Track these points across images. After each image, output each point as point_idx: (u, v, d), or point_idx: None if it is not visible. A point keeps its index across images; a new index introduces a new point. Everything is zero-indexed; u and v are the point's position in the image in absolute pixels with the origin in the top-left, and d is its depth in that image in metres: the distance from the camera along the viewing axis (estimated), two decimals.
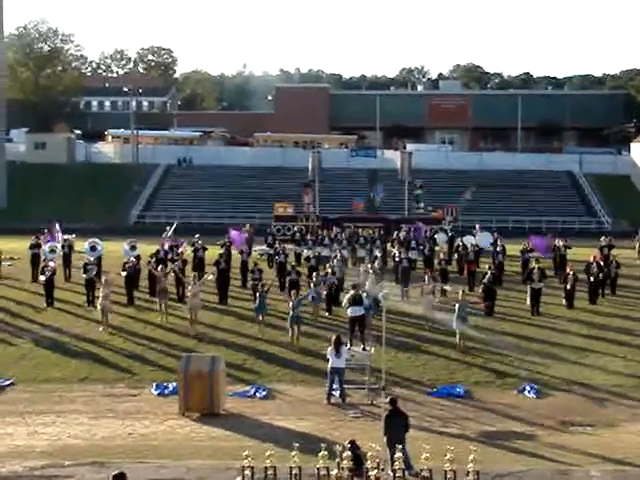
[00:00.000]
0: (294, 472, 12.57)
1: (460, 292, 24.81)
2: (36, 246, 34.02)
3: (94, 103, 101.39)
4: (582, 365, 22.50)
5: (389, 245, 38.15)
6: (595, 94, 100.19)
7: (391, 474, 12.60)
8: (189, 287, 26.22)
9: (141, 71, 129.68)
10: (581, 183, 63.14)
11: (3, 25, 62.27)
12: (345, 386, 19.44)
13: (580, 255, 34.65)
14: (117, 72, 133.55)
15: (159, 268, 28.15)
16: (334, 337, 19.54)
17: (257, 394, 20.01)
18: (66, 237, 35.56)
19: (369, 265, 30.34)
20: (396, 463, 12.55)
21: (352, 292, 22.33)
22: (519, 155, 72.48)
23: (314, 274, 28.47)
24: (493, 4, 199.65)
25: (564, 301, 29.35)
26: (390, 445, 13.68)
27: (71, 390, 20.35)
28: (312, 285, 27.62)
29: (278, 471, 12.64)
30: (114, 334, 25.22)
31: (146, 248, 34.32)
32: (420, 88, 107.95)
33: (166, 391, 20.05)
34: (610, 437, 17.29)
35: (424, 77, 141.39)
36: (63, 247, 34.18)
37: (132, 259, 31.00)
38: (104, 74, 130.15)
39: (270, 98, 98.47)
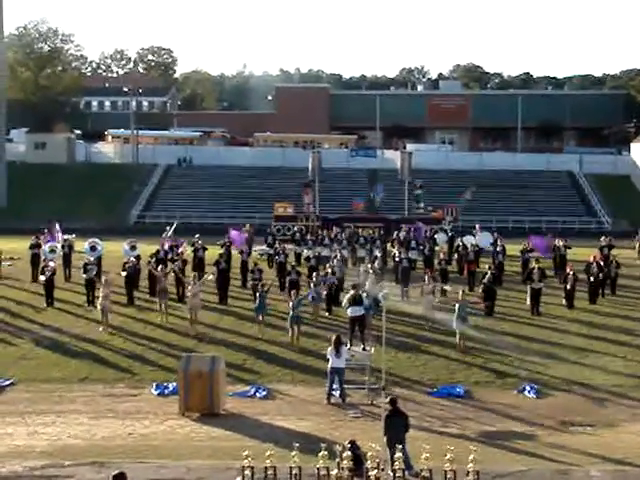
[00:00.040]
0: (294, 472, 12.57)
1: (460, 292, 24.81)
2: (36, 246, 34.03)
3: (94, 103, 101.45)
4: (582, 365, 22.49)
5: (389, 245, 38.16)
6: (595, 94, 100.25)
7: (391, 474, 12.60)
8: (189, 287, 26.22)
9: (141, 71, 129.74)
10: (581, 183, 63.15)
11: (3, 25, 62.27)
12: (345, 386, 19.43)
13: (580, 255, 34.67)
14: (117, 72, 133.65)
15: (159, 268, 28.15)
16: (334, 337, 19.53)
17: (257, 394, 20.00)
18: (66, 237, 35.56)
19: (369, 265, 30.34)
20: (396, 463, 12.55)
21: (352, 292, 22.34)
22: (519, 155, 72.49)
23: (314, 274, 28.47)
24: (493, 4, 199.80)
25: (564, 301, 29.36)
26: (390, 445, 13.67)
27: (71, 390, 20.34)
28: (312, 285, 27.62)
29: (278, 471, 12.64)
30: (114, 334, 25.22)
31: (146, 248, 34.33)
32: (420, 88, 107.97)
33: (166, 391, 20.04)
34: (610, 437, 17.28)
35: (424, 77, 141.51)
36: (63, 247, 34.19)
37: (132, 259, 31.01)
38: (104, 74, 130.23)
39: (270, 98, 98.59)
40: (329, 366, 19.33)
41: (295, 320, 23.87)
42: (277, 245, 34.82)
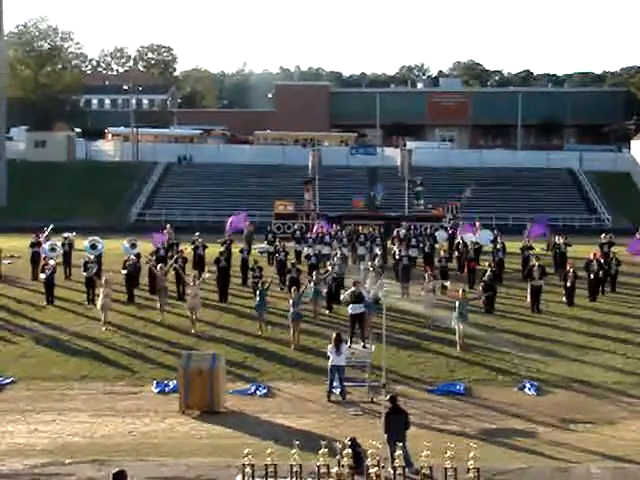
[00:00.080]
0: (294, 470, 12.58)
1: (460, 290, 24.81)
2: (36, 244, 33.99)
3: (94, 101, 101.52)
4: (582, 362, 22.49)
5: (389, 243, 38.17)
6: (595, 91, 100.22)
7: (391, 471, 12.62)
8: (188, 288, 26.18)
9: (141, 69, 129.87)
10: (581, 180, 63.16)
11: (3, 23, 62.27)
12: (345, 384, 19.43)
13: (580, 252, 34.66)
14: (117, 70, 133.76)
15: (159, 266, 28.13)
16: (334, 335, 19.54)
17: (257, 392, 19.99)
18: (66, 235, 35.51)
19: (369, 263, 30.35)
20: (396, 461, 12.56)
21: (352, 289, 22.33)
22: (519, 152, 72.53)
23: (314, 272, 28.46)
24: (493, 1, 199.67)
25: (564, 298, 29.37)
26: (390, 443, 13.69)
27: (71, 388, 20.33)
28: (312, 283, 27.56)
29: (278, 469, 12.65)
30: (114, 332, 25.24)
31: (146, 246, 34.31)
32: (420, 86, 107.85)
33: (166, 389, 20.04)
34: (610, 434, 17.28)
35: (424, 75, 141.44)
36: (63, 245, 34.16)
37: (132, 257, 31.01)
38: (104, 72, 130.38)
39: (270, 96, 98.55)
40: (329, 364, 19.32)
41: (295, 318, 23.87)
42: (277, 243, 34.83)
